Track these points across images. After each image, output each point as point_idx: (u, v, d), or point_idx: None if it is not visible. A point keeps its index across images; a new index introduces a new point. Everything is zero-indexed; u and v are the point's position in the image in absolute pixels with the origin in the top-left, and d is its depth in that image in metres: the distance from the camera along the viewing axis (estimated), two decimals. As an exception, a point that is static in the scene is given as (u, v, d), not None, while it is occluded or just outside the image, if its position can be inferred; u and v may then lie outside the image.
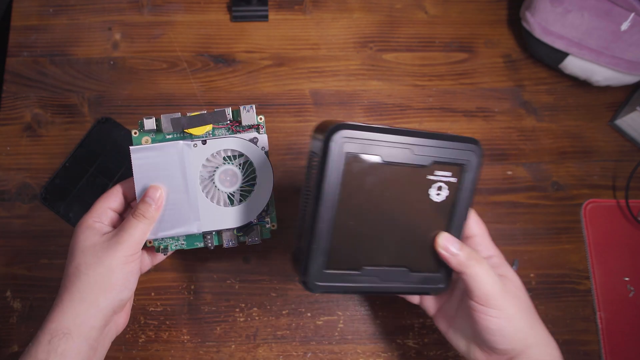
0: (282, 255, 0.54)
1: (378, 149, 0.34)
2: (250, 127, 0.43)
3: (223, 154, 0.43)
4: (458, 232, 0.38)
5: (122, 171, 0.55)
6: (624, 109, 0.59)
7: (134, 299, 0.52)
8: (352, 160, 0.34)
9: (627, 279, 0.54)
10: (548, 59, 0.59)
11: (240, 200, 0.43)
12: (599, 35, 0.55)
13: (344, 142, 0.34)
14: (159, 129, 0.42)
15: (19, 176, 0.56)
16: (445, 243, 0.37)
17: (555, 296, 0.54)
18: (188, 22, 0.62)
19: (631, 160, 0.59)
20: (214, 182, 0.42)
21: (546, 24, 0.57)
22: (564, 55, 0.58)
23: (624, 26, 0.54)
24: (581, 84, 0.61)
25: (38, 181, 0.55)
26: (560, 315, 0.53)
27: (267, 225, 0.44)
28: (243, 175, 0.43)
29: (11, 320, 0.51)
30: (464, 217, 0.38)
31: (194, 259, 0.53)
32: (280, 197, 0.56)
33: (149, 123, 0.41)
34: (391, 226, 0.37)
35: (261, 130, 0.43)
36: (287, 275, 0.54)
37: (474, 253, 0.37)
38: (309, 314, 0.52)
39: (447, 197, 0.37)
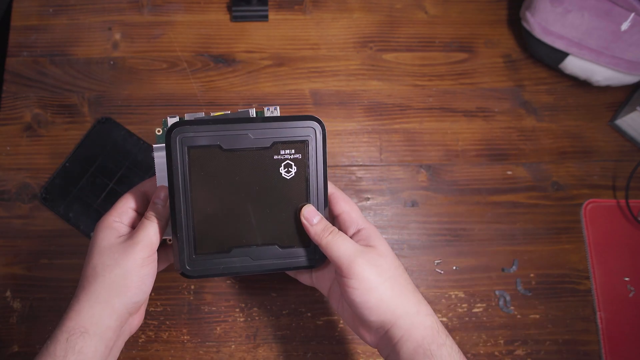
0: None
1: (217, 139, 0.38)
2: None
3: None
4: (320, 205, 0.40)
5: (122, 171, 0.55)
6: (624, 109, 0.59)
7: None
8: (195, 153, 0.38)
9: (627, 279, 0.54)
10: (548, 59, 0.59)
11: None
12: (599, 35, 0.55)
13: (183, 138, 0.37)
14: None
15: (19, 176, 0.56)
16: (307, 215, 0.39)
17: (555, 296, 0.54)
18: (188, 22, 0.62)
19: (631, 160, 0.59)
20: None
21: (546, 24, 0.57)
22: (564, 55, 0.58)
23: (624, 26, 0.54)
24: (581, 84, 0.61)
25: (38, 181, 0.55)
26: (560, 315, 0.53)
27: None
28: None
29: (11, 320, 0.51)
30: (322, 191, 0.40)
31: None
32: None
33: (173, 122, 0.41)
34: (254, 207, 0.39)
35: None
36: (287, 275, 0.54)
37: (330, 225, 0.39)
38: (309, 314, 0.52)
39: (296, 173, 0.39)
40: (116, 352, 0.39)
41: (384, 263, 0.38)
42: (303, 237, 0.40)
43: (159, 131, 0.42)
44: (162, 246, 0.42)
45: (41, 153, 0.56)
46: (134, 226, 0.41)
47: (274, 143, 0.38)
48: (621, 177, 0.58)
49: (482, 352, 0.52)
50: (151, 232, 0.38)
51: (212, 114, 0.41)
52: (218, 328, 0.52)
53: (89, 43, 0.60)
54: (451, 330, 0.53)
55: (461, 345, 0.52)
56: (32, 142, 0.57)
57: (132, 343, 0.51)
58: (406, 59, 0.62)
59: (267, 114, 0.42)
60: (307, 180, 0.40)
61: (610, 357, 0.52)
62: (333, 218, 0.42)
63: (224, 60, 0.60)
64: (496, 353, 0.52)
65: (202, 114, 0.41)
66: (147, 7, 0.62)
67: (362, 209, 0.56)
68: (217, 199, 0.39)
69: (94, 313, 0.36)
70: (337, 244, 0.38)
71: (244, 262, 0.40)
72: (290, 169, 0.39)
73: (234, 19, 0.61)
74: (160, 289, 0.52)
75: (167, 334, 0.51)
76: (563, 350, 0.52)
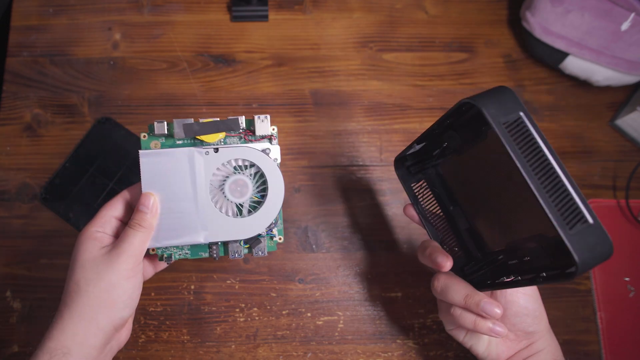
0: (282, 256, 0.54)
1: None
2: (263, 137, 0.42)
3: (234, 163, 0.41)
4: None
5: (122, 171, 0.55)
6: (624, 109, 0.59)
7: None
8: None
9: (627, 279, 0.54)
10: (548, 59, 0.59)
11: (249, 212, 0.42)
12: (599, 35, 0.55)
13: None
14: (169, 134, 0.41)
15: (19, 176, 0.56)
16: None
17: (555, 296, 0.54)
18: (188, 22, 0.62)
19: (631, 160, 0.59)
20: (223, 192, 0.41)
21: (546, 24, 0.57)
22: (564, 55, 0.58)
23: (624, 26, 0.54)
24: (581, 84, 0.61)
25: (38, 181, 0.55)
26: (560, 315, 0.53)
27: (275, 238, 0.43)
28: (254, 187, 0.42)
29: (11, 320, 0.51)
30: None
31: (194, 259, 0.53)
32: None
33: (160, 127, 0.40)
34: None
35: (274, 141, 0.42)
36: (287, 275, 0.54)
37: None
38: (309, 314, 0.52)
39: None
40: None
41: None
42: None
43: (144, 136, 0.41)
44: (147, 256, 0.41)
45: (41, 153, 0.56)
46: (118, 236, 0.39)
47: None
48: (621, 177, 0.58)
49: (482, 352, 0.52)
50: (136, 242, 0.37)
51: (200, 120, 0.40)
52: (218, 328, 0.52)
53: (89, 43, 0.60)
54: (451, 330, 0.53)
55: (461, 345, 0.52)
56: (32, 142, 0.57)
57: (132, 343, 0.51)
58: (406, 59, 0.62)
59: (257, 122, 0.41)
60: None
61: (610, 357, 0.52)
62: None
63: (224, 60, 0.60)
64: (496, 353, 0.52)
65: (191, 120, 0.40)
66: (147, 7, 0.62)
67: (362, 209, 0.56)
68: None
69: (77, 332, 0.35)
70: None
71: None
72: None
73: (234, 19, 0.61)
74: (160, 289, 0.53)
75: (167, 334, 0.51)
76: (563, 350, 0.52)
